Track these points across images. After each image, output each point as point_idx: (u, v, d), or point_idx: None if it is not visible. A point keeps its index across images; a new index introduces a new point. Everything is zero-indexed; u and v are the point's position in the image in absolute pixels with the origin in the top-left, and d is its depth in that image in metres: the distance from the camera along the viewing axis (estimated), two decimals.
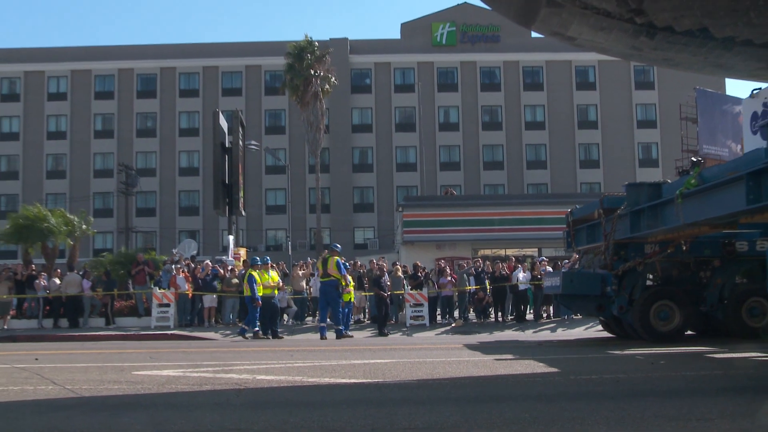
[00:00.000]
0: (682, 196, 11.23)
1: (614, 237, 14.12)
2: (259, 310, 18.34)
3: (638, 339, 14.30)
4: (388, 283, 20.91)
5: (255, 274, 18.57)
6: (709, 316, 14.72)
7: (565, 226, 17.11)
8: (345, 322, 18.44)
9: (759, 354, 12.09)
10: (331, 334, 17.66)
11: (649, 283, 14.91)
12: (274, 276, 19.26)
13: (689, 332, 15.28)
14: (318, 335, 17.87)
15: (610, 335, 16.45)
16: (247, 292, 18.70)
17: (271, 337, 18.30)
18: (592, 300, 15.06)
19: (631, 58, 17.09)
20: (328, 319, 18.27)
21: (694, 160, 11.76)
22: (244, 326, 18.80)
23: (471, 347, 14.01)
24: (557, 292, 16.09)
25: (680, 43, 13.08)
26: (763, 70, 14.45)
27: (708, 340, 14.17)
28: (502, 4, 13.42)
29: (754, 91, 14.81)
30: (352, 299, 19.10)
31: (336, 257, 17.86)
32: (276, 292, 19.24)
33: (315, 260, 25.02)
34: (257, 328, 18.41)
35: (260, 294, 18.35)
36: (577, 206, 16.87)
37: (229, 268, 22.17)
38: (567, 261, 22.19)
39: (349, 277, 18.80)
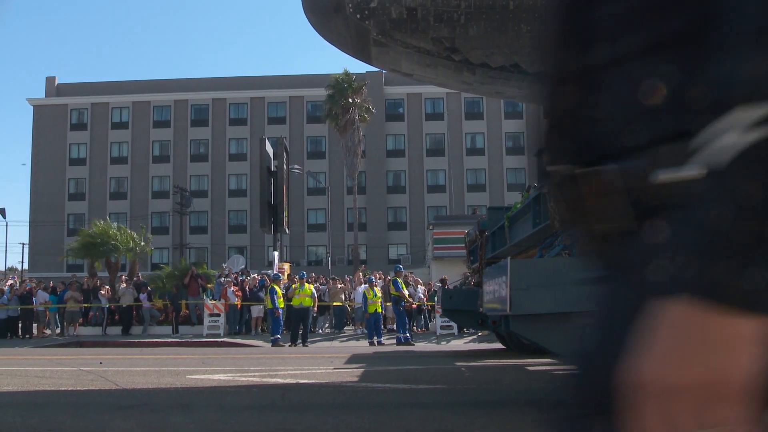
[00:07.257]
0: (508, 219, 10.72)
1: (485, 256, 13.58)
2: (282, 319, 18.66)
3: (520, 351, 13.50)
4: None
5: (276, 287, 18.82)
6: None
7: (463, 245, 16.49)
8: (377, 331, 18.47)
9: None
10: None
11: None
12: (307, 289, 19.03)
13: None
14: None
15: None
16: (268, 305, 18.96)
17: (301, 344, 18.24)
18: (474, 315, 14.48)
19: (467, 92, 16.93)
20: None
21: (536, 185, 11.10)
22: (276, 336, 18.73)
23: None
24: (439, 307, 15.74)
25: (501, 78, 12.61)
26: None
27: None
28: (341, 44, 13.23)
29: None
30: (380, 310, 19.04)
31: (396, 278, 18.74)
32: (311, 303, 19.02)
33: (351, 277, 25.19)
34: (278, 336, 18.44)
35: (282, 306, 18.58)
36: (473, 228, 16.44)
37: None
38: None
39: (405, 291, 19.03)
